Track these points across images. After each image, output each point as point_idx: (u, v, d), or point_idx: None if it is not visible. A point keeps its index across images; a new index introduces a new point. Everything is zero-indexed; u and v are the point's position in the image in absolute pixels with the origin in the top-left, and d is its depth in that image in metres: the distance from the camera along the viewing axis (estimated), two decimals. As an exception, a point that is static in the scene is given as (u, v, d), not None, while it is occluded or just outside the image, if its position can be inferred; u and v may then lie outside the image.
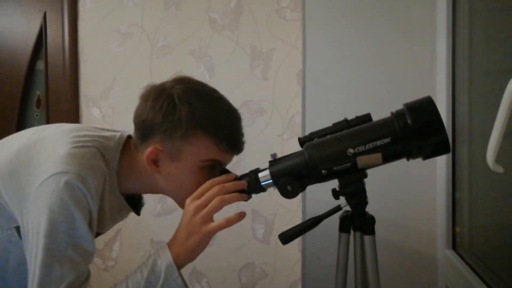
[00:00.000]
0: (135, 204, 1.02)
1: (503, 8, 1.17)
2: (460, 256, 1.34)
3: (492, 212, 1.27)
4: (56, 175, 0.78)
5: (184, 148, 0.86)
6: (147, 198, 1.89)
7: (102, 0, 1.93)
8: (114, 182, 0.90)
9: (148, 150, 0.87)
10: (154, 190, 0.96)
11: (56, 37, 1.99)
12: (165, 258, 0.83)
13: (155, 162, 0.88)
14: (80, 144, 0.84)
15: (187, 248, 0.84)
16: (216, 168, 0.91)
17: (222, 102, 0.91)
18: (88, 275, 0.82)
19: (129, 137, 0.95)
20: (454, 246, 1.41)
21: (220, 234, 1.77)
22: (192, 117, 0.85)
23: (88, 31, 1.96)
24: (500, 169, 0.68)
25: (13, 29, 2.09)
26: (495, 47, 1.23)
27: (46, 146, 0.85)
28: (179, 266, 0.83)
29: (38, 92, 2.12)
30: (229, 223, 0.84)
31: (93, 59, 1.96)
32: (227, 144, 0.89)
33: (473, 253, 1.32)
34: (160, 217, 1.85)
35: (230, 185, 0.87)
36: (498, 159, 0.67)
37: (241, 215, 0.86)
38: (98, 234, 0.94)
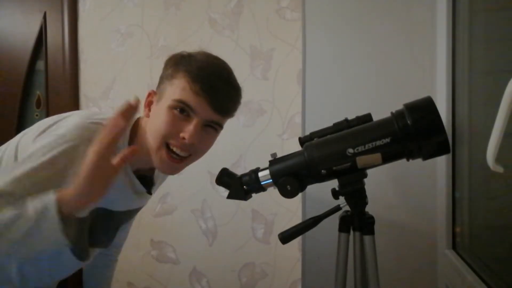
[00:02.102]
0: (146, 184, 1.02)
1: (503, 8, 1.17)
2: (460, 256, 1.34)
3: (492, 212, 1.27)
4: (54, 135, 0.83)
5: (167, 88, 0.90)
6: (147, 198, 1.88)
7: (102, 0, 1.93)
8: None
9: (146, 94, 0.94)
10: (146, 152, 0.94)
11: (56, 37, 2.00)
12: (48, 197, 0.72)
13: (149, 107, 0.93)
14: (89, 121, 0.87)
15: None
16: (190, 119, 0.88)
17: (220, 63, 0.94)
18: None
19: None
20: (454, 246, 1.41)
21: (220, 234, 1.78)
22: (182, 59, 0.91)
23: (88, 31, 1.97)
24: (500, 169, 0.68)
25: (13, 29, 2.09)
26: (495, 47, 1.22)
27: (66, 119, 0.91)
28: (63, 204, 0.71)
29: (38, 92, 2.12)
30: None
31: (93, 59, 1.96)
32: (202, 89, 0.87)
33: (473, 253, 1.32)
34: (160, 217, 1.85)
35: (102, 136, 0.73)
36: (498, 159, 0.67)
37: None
38: (110, 211, 0.96)
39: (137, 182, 0.96)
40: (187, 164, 0.94)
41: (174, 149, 0.89)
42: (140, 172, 0.98)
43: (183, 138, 0.88)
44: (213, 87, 0.88)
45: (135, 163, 0.95)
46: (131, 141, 0.93)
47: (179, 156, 0.90)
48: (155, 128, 0.89)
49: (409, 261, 1.54)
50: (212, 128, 0.92)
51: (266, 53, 1.72)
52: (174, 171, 0.93)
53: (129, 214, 1.08)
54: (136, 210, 1.09)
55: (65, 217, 0.70)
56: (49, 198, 0.70)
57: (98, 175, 0.70)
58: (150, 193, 1.05)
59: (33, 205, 0.71)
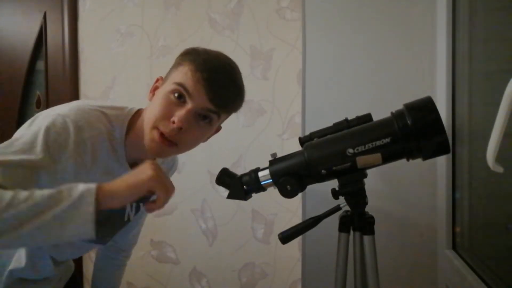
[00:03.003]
0: None
1: (503, 8, 1.17)
2: (460, 256, 1.34)
3: (492, 212, 1.27)
4: (56, 114, 0.82)
5: (171, 74, 0.92)
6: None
7: (102, 0, 1.93)
8: (121, 152, 0.92)
9: (155, 80, 0.96)
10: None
11: (56, 37, 2.00)
12: (85, 185, 0.73)
13: (154, 92, 0.94)
14: (88, 107, 0.88)
15: (119, 184, 0.75)
16: (184, 105, 0.87)
17: (225, 58, 0.95)
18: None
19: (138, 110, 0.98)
20: (454, 246, 1.41)
21: (220, 234, 1.78)
22: (193, 51, 0.92)
23: (88, 31, 1.97)
24: (500, 169, 0.67)
25: (13, 29, 2.09)
26: (495, 47, 1.22)
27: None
28: (100, 197, 0.71)
29: (38, 92, 2.12)
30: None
31: (93, 59, 1.96)
32: (203, 78, 0.86)
33: (473, 253, 1.32)
34: (160, 217, 1.85)
35: None
36: (498, 159, 0.67)
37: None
38: (114, 211, 0.93)
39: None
40: (173, 153, 0.94)
41: (163, 132, 0.87)
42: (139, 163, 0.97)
43: (173, 122, 0.86)
44: (213, 78, 0.88)
45: (134, 153, 0.94)
46: (129, 130, 0.93)
47: (169, 140, 0.88)
48: (150, 112, 0.89)
49: (409, 261, 1.53)
50: (205, 120, 0.90)
51: (266, 53, 1.72)
52: (161, 153, 0.91)
53: (126, 220, 1.06)
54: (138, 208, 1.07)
55: (98, 210, 0.70)
56: (88, 187, 0.71)
57: (143, 190, 0.75)
58: None
59: (66, 189, 0.70)
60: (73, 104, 0.88)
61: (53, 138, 0.79)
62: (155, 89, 0.94)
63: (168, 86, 0.89)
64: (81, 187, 0.71)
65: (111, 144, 0.89)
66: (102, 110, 0.90)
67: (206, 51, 0.93)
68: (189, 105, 0.87)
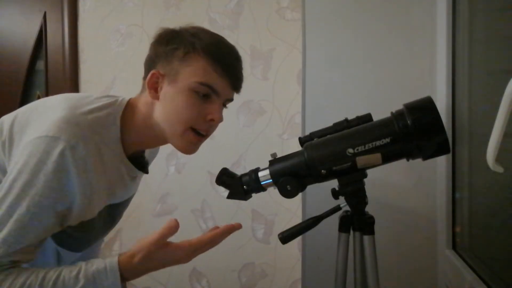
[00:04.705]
0: (141, 164, 1.00)
1: (503, 8, 1.17)
2: (460, 256, 1.34)
3: (492, 212, 1.27)
4: (46, 137, 0.76)
5: (182, 69, 0.86)
6: (147, 199, 1.89)
7: (102, 0, 1.93)
8: (119, 149, 0.89)
9: (150, 74, 0.88)
10: (154, 134, 0.92)
11: (56, 37, 1.99)
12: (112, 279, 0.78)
13: (155, 88, 0.89)
14: (78, 112, 0.83)
15: (143, 269, 0.81)
16: (211, 99, 0.88)
17: (224, 39, 0.93)
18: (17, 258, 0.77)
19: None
20: (454, 246, 1.41)
21: (220, 234, 1.78)
22: (192, 39, 0.87)
23: (88, 31, 1.96)
24: (500, 169, 0.67)
25: (13, 29, 2.09)
26: (495, 47, 1.22)
27: (46, 109, 0.85)
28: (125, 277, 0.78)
29: (38, 92, 2.12)
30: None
31: (93, 59, 1.96)
32: (223, 69, 0.86)
33: (473, 253, 1.32)
34: (160, 217, 1.85)
35: None
36: (498, 159, 0.67)
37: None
38: (113, 205, 0.94)
39: (133, 168, 0.94)
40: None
41: (200, 131, 0.89)
42: (134, 154, 0.96)
43: (212, 120, 0.88)
44: (231, 65, 0.89)
45: (132, 148, 0.92)
46: (124, 124, 0.89)
47: (203, 135, 0.91)
48: (177, 113, 0.87)
49: (409, 261, 1.53)
50: (226, 105, 0.93)
51: (266, 53, 1.72)
52: (195, 150, 0.93)
53: (128, 201, 1.06)
54: (133, 195, 1.07)
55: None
56: (111, 262, 0.77)
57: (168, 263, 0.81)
58: (147, 172, 1.03)
59: (86, 269, 0.76)
60: (59, 115, 0.80)
61: (52, 169, 0.75)
62: (156, 86, 0.89)
63: (187, 84, 0.85)
64: (106, 282, 0.76)
65: (109, 148, 0.86)
66: (92, 113, 0.85)
67: (207, 34, 0.90)
68: (217, 100, 0.89)
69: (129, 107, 0.92)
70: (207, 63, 0.86)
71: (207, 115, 0.88)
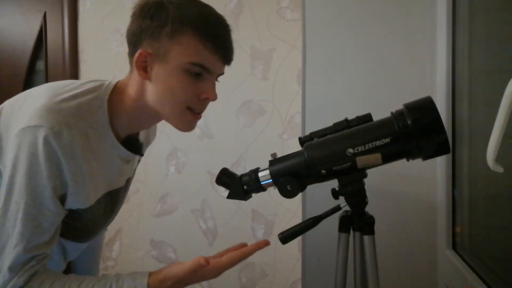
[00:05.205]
0: (135, 147, 0.98)
1: (503, 8, 1.17)
2: (460, 256, 1.34)
3: (492, 212, 1.27)
4: (29, 128, 0.76)
5: (171, 47, 0.82)
6: (147, 199, 1.89)
7: (102, 0, 1.93)
8: (109, 134, 0.87)
9: (137, 54, 0.83)
10: (147, 114, 0.90)
11: (56, 37, 2.00)
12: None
13: (144, 68, 0.85)
14: (59, 99, 0.81)
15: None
16: (204, 79, 0.86)
17: (211, 8, 0.89)
18: (42, 253, 0.80)
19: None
20: (454, 246, 1.41)
21: (220, 234, 1.78)
22: (179, 14, 0.82)
23: (88, 31, 1.97)
24: (500, 169, 0.67)
25: (13, 29, 2.09)
26: (495, 47, 1.22)
27: (28, 101, 0.84)
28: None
29: (38, 92, 2.11)
30: None
31: (93, 59, 1.96)
32: (215, 45, 0.84)
33: (473, 253, 1.32)
34: (160, 217, 1.85)
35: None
36: (498, 159, 0.67)
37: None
38: (112, 191, 0.94)
39: (126, 151, 0.92)
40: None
41: (196, 110, 0.89)
42: (128, 137, 0.95)
43: (206, 98, 0.88)
44: (222, 40, 0.86)
45: (124, 130, 0.91)
46: (112, 107, 0.87)
47: (199, 113, 0.91)
48: (172, 95, 0.85)
49: (409, 261, 1.53)
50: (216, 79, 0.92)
51: (266, 53, 1.72)
52: (193, 127, 0.92)
53: (127, 186, 1.05)
54: (130, 179, 1.06)
55: None
56: (142, 285, 0.80)
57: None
58: (142, 154, 1.02)
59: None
60: (41, 103, 0.79)
61: (43, 157, 0.76)
62: (145, 65, 0.85)
63: (179, 64, 0.83)
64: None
65: (97, 132, 0.85)
66: (76, 99, 0.83)
67: (193, 5, 0.86)
68: (210, 78, 0.87)
69: (117, 89, 0.90)
70: (197, 40, 0.82)
71: (201, 94, 0.87)
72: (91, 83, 0.89)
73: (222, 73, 0.91)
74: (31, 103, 0.82)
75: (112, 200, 0.98)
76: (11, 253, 0.76)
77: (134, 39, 0.86)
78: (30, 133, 0.76)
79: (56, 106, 0.79)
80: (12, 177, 0.77)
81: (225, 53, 0.87)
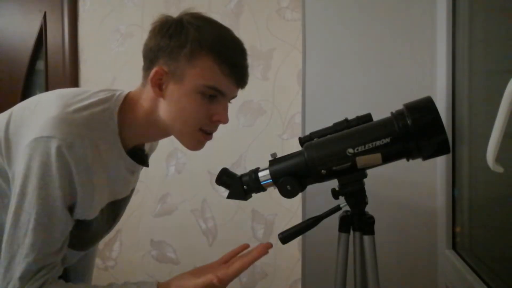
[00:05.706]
0: (141, 158, 0.99)
1: (503, 8, 1.17)
2: (460, 256, 1.34)
3: (492, 212, 1.27)
4: (41, 138, 0.76)
5: (188, 69, 0.84)
6: (147, 199, 1.89)
7: (102, 0, 1.93)
8: (118, 145, 0.88)
9: (153, 71, 0.85)
10: (157, 129, 0.91)
11: (56, 37, 2.00)
12: None
13: (159, 85, 0.86)
14: (71, 109, 0.81)
15: None
16: (217, 101, 0.88)
17: (229, 31, 0.91)
18: (52, 264, 0.80)
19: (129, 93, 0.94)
20: (454, 246, 1.41)
21: (220, 234, 1.78)
22: (198, 37, 0.84)
23: (88, 31, 1.97)
24: (500, 169, 0.67)
25: (13, 29, 2.09)
26: (495, 47, 1.22)
27: (40, 108, 0.84)
28: None
29: (38, 92, 2.12)
30: None
31: (93, 59, 1.96)
32: (231, 69, 0.85)
33: (473, 253, 1.32)
34: (160, 217, 1.85)
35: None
36: (498, 159, 0.67)
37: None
38: (116, 201, 0.95)
39: (133, 162, 0.93)
40: None
41: (207, 131, 0.90)
42: (134, 148, 0.96)
43: (218, 121, 0.89)
44: (238, 65, 0.88)
45: (132, 142, 0.92)
46: (122, 119, 0.88)
47: (211, 134, 0.92)
48: (185, 115, 0.87)
49: (409, 261, 1.53)
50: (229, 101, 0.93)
51: (266, 53, 1.72)
52: (202, 147, 0.94)
53: (129, 196, 1.06)
54: (134, 188, 1.07)
55: None
56: None
57: None
58: (147, 165, 1.03)
59: None
60: (54, 113, 0.79)
61: (56, 168, 0.76)
62: (160, 83, 0.87)
63: (194, 86, 0.85)
64: None
65: (107, 143, 0.86)
66: (87, 109, 0.83)
67: (212, 28, 0.88)
68: (223, 101, 0.89)
69: (129, 101, 0.91)
70: (214, 64, 0.84)
71: (213, 115, 0.89)
72: (102, 93, 0.90)
73: (235, 96, 0.93)
74: (43, 112, 0.82)
75: (115, 210, 0.99)
76: (21, 263, 0.76)
77: (151, 55, 0.88)
78: (43, 143, 0.76)
79: (69, 116, 0.80)
80: (24, 186, 0.76)
81: (240, 77, 0.89)
